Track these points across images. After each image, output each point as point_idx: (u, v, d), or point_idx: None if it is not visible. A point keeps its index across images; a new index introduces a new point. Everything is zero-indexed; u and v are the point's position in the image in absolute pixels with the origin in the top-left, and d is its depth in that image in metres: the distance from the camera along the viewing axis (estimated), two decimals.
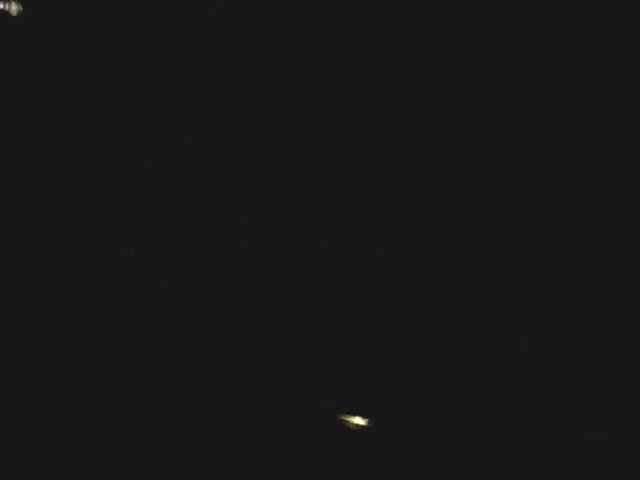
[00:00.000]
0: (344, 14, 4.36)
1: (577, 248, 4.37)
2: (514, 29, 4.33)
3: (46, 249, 4.22)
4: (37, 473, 2.97)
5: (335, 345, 4.22)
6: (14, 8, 4.02)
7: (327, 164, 4.50)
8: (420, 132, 4.47)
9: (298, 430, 3.41)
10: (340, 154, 4.49)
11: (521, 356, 4.18)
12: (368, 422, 3.56)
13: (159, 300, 4.26)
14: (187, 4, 4.30)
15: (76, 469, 3.01)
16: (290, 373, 4.01)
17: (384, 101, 4.47)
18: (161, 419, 3.47)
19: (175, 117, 4.36)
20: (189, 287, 4.33)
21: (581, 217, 4.38)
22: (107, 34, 4.25)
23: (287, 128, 4.49)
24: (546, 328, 4.27)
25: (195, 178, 4.40)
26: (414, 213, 4.49)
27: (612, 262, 4.32)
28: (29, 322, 4.06)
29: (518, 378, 3.98)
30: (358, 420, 3.57)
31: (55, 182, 4.27)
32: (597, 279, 4.32)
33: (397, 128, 4.48)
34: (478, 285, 4.39)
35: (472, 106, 4.43)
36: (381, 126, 4.48)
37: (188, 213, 4.38)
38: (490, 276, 4.39)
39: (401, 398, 3.82)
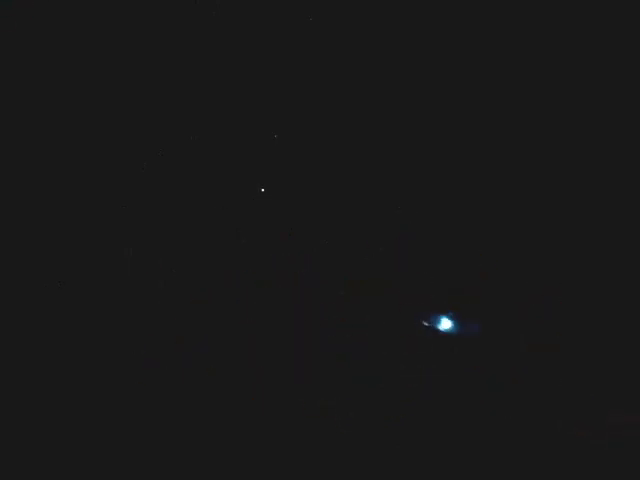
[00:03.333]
0: (345, 14, 4.36)
1: (576, 249, 4.37)
2: (514, 33, 4.33)
3: (46, 249, 4.22)
4: (37, 472, 2.98)
5: (335, 345, 4.22)
6: None
7: (327, 164, 4.50)
8: (420, 133, 4.47)
9: (298, 430, 3.41)
10: (340, 155, 4.49)
11: (521, 356, 4.18)
12: (368, 421, 3.56)
13: (159, 300, 4.27)
14: (187, 4, 4.30)
15: (76, 468, 3.01)
16: (290, 373, 4.01)
17: (384, 103, 4.47)
18: (161, 419, 3.47)
19: (175, 117, 4.36)
20: (189, 287, 4.33)
21: (580, 218, 4.38)
22: (109, 32, 4.25)
23: (287, 128, 4.49)
24: (546, 328, 4.27)
25: (195, 178, 4.40)
26: (414, 213, 4.49)
27: (611, 263, 4.32)
28: (29, 321, 4.06)
29: (518, 378, 3.97)
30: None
31: (55, 181, 4.27)
32: (596, 280, 4.32)
33: (397, 129, 4.48)
34: (478, 285, 4.39)
35: (472, 108, 4.43)
36: (381, 127, 4.48)
37: (188, 213, 4.38)
38: (490, 276, 4.39)
39: (401, 398, 3.82)
